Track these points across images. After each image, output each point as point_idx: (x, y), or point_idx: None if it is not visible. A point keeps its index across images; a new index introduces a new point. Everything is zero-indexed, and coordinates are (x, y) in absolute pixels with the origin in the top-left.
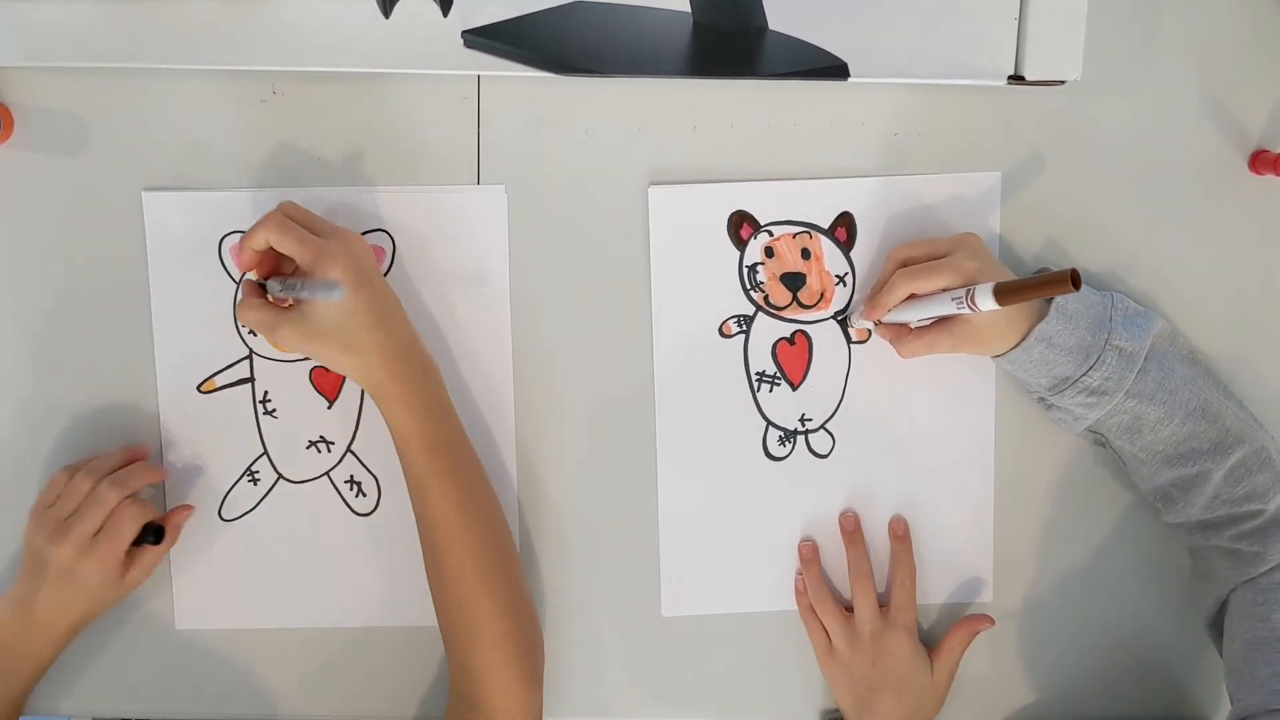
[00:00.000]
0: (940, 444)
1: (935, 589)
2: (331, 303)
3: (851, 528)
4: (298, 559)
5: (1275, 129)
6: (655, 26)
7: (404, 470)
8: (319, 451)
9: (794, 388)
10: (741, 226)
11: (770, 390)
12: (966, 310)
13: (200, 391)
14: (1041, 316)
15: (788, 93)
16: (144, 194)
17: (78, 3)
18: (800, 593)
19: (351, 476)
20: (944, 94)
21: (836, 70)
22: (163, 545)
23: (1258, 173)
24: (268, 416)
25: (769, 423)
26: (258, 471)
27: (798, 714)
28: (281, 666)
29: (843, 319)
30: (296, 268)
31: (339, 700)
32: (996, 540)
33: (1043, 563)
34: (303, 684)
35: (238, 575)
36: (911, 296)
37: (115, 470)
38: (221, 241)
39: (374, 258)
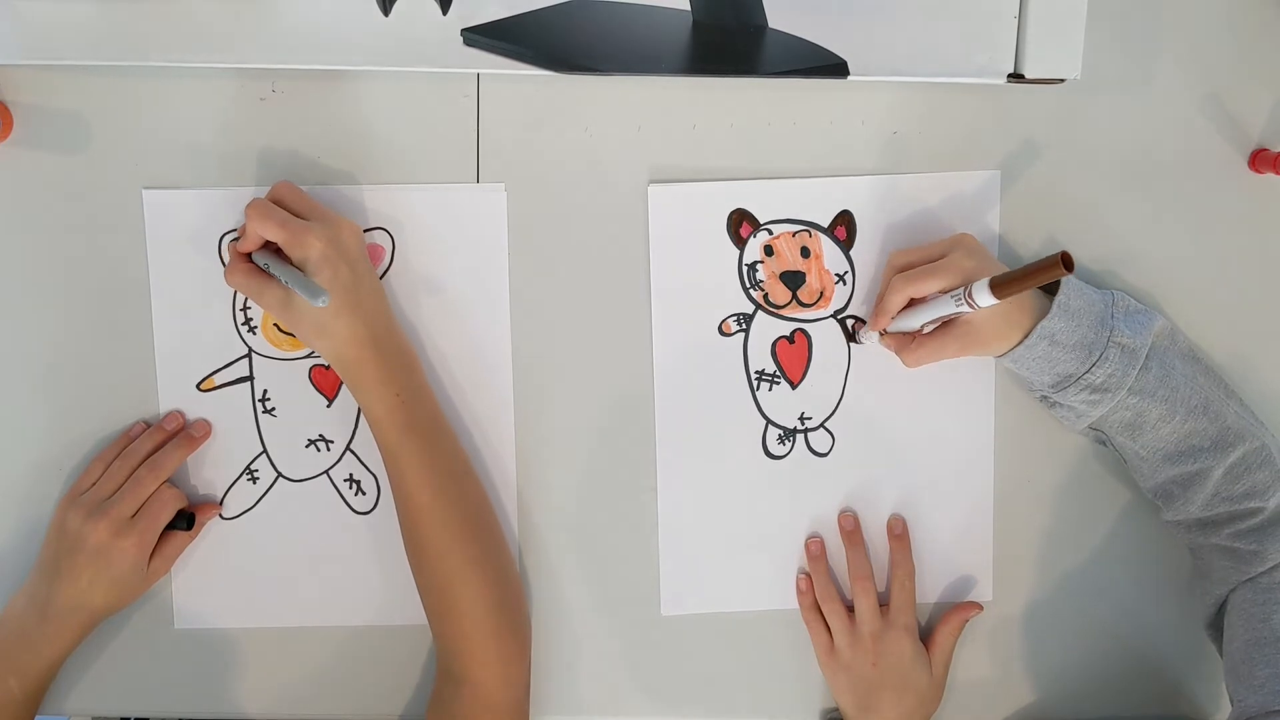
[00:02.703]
0: (940, 443)
1: (935, 588)
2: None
3: (851, 528)
4: (297, 558)
5: (1275, 128)
6: (655, 24)
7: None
8: (318, 450)
9: (793, 386)
10: (741, 225)
11: (770, 389)
12: (966, 308)
13: (200, 390)
14: (1044, 314)
15: (787, 91)
16: (144, 192)
17: (78, 1)
18: (802, 592)
19: (351, 475)
20: (943, 92)
21: (836, 68)
22: (189, 534)
23: (1258, 171)
24: (267, 415)
25: (768, 421)
26: (257, 470)
27: (798, 714)
28: (281, 665)
29: (843, 319)
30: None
31: (339, 699)
32: (996, 539)
33: (1042, 562)
34: (302, 683)
35: (237, 574)
36: (912, 302)
37: (153, 453)
38: (221, 240)
39: (363, 244)
